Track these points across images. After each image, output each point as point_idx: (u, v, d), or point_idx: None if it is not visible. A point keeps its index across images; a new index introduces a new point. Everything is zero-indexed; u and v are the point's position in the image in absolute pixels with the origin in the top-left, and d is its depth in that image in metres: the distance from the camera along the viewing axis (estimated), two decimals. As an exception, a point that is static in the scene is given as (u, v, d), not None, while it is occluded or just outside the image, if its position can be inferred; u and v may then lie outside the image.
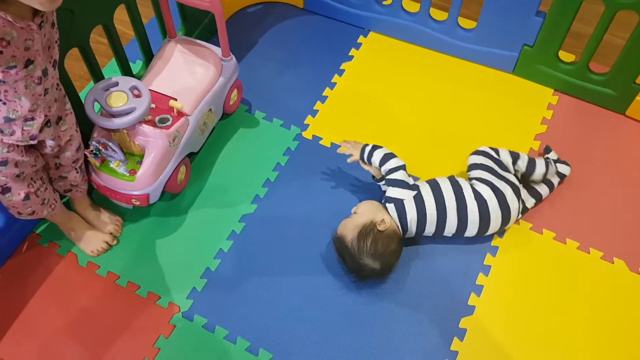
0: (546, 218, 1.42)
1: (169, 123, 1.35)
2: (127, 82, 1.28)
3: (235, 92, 1.59)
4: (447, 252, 1.37)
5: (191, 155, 1.50)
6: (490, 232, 1.34)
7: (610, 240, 1.39)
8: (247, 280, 1.32)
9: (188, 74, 1.46)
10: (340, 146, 1.45)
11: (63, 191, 1.30)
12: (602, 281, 1.33)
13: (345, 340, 1.25)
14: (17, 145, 1.07)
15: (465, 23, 1.68)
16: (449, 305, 1.29)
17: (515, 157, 1.39)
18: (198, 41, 1.53)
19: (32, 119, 1.04)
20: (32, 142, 1.08)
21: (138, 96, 1.27)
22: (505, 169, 1.36)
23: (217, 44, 1.49)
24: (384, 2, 1.75)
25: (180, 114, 1.38)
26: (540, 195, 1.41)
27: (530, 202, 1.40)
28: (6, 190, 1.13)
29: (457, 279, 1.33)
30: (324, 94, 1.67)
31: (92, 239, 1.34)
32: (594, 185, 1.48)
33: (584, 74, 1.59)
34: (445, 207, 1.30)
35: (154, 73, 1.45)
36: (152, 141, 1.31)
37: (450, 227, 1.32)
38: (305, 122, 1.61)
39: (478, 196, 1.30)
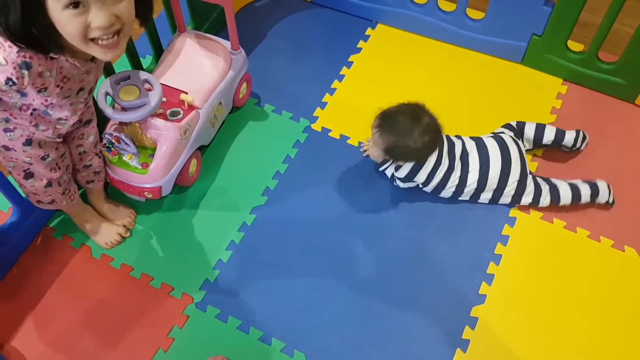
0: (556, 207, 1.41)
1: (180, 116, 1.36)
2: (139, 75, 1.29)
3: (244, 85, 1.60)
4: (458, 242, 1.38)
5: (202, 148, 1.51)
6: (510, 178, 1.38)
7: (620, 229, 1.39)
8: (258, 271, 1.34)
9: (198, 68, 1.47)
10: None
11: (86, 182, 1.32)
12: (613, 269, 1.33)
13: (356, 328, 1.26)
14: None
15: (474, 13, 1.68)
16: (460, 294, 1.30)
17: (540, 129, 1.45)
18: (207, 35, 1.54)
19: (66, 119, 1.09)
20: (59, 140, 1.13)
21: (149, 90, 1.29)
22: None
23: (227, 38, 1.50)
24: (392, -6, 1.75)
25: (191, 107, 1.39)
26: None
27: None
28: (29, 175, 1.15)
29: (468, 268, 1.34)
30: (332, 86, 1.68)
31: (106, 231, 1.36)
32: (605, 173, 1.47)
33: (593, 63, 1.59)
34: (467, 149, 1.39)
35: (164, 67, 1.46)
36: (164, 134, 1.33)
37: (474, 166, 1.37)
38: (314, 114, 1.62)
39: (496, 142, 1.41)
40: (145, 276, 1.33)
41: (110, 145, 1.32)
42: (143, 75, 1.30)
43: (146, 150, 1.36)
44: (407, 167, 1.36)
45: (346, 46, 1.77)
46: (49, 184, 1.18)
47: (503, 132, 1.45)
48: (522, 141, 1.45)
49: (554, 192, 1.38)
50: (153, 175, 1.33)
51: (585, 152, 1.51)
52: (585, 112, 1.60)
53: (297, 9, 1.87)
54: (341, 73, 1.71)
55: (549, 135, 1.45)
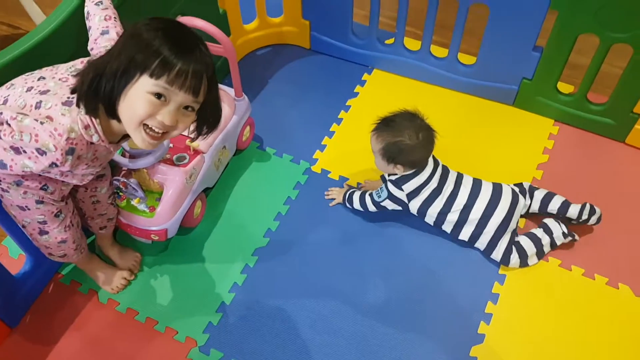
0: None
1: (186, 161, 1.42)
2: None
3: (248, 129, 1.66)
4: (455, 281, 1.40)
5: (207, 190, 1.56)
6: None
7: (614, 266, 1.41)
8: (261, 313, 1.36)
9: None
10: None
11: (99, 228, 1.37)
12: (608, 307, 1.35)
13: (358, 370, 1.28)
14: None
15: (465, 58, 1.75)
16: (458, 334, 1.32)
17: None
18: None
19: (69, 183, 1.16)
20: (61, 204, 1.18)
21: None
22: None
23: (230, 85, 1.57)
24: (386, 42, 1.83)
25: (197, 152, 1.45)
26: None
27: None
28: (44, 232, 1.19)
29: (466, 307, 1.36)
30: (331, 129, 1.74)
31: (112, 277, 1.39)
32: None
33: (582, 105, 1.64)
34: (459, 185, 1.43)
35: None
36: (170, 178, 1.38)
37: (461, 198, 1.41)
38: (314, 156, 1.67)
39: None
40: (150, 320, 1.35)
41: (119, 191, 1.37)
42: None
43: (153, 194, 1.41)
44: (399, 170, 1.40)
45: (344, 91, 1.84)
46: (63, 241, 1.23)
47: (507, 185, 1.46)
48: (529, 201, 1.46)
49: (520, 250, 1.39)
50: (160, 218, 1.38)
51: (578, 191, 1.55)
52: (576, 152, 1.65)
53: (296, 56, 1.94)
54: (339, 117, 1.77)
55: (555, 203, 1.44)
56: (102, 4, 1.21)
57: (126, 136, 1.08)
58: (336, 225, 1.52)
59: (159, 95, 0.94)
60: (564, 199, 1.45)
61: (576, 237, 1.43)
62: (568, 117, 1.69)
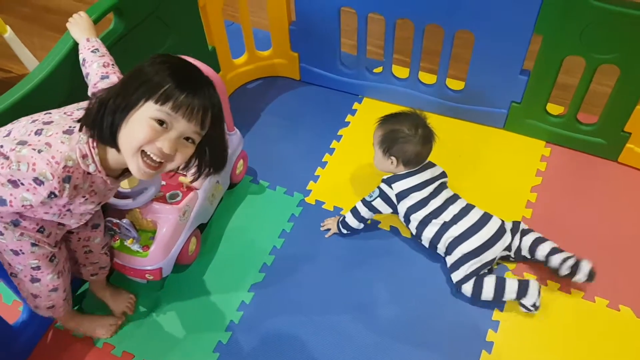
0: (549, 270, 1.43)
1: (179, 198, 1.42)
2: None
3: (241, 162, 1.66)
4: (454, 310, 1.38)
5: (201, 226, 1.55)
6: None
7: (614, 288, 1.40)
8: (260, 352, 1.34)
9: None
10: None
11: (90, 275, 1.35)
12: (609, 329, 1.34)
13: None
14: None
15: (454, 84, 1.76)
16: (460, 364, 1.30)
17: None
18: None
19: (63, 225, 1.15)
20: (54, 250, 1.17)
21: None
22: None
23: None
24: (375, 70, 1.84)
25: (189, 188, 1.45)
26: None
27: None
28: (35, 279, 1.17)
29: (467, 336, 1.34)
30: (323, 160, 1.74)
31: (100, 326, 1.37)
32: (593, 233, 1.51)
33: (573, 125, 1.65)
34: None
35: None
36: (164, 217, 1.37)
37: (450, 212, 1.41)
38: (308, 187, 1.67)
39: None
40: (146, 363, 1.34)
41: (112, 232, 1.36)
42: None
43: (146, 233, 1.40)
44: (391, 168, 1.45)
45: (335, 121, 1.84)
46: (54, 289, 1.20)
47: (501, 220, 1.43)
48: (518, 241, 1.42)
49: (478, 284, 1.35)
50: (154, 258, 1.36)
51: (572, 212, 1.54)
52: (569, 173, 1.65)
53: (287, 88, 1.96)
54: (331, 147, 1.77)
55: (543, 249, 1.39)
56: (98, 51, 1.22)
57: (125, 172, 1.07)
58: (333, 256, 1.51)
59: (161, 122, 0.94)
60: (553, 246, 1.39)
61: (536, 309, 1.35)
62: (559, 138, 1.69)
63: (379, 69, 1.84)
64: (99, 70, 1.18)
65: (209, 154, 1.05)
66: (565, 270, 1.35)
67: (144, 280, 1.44)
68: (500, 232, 1.39)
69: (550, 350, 1.31)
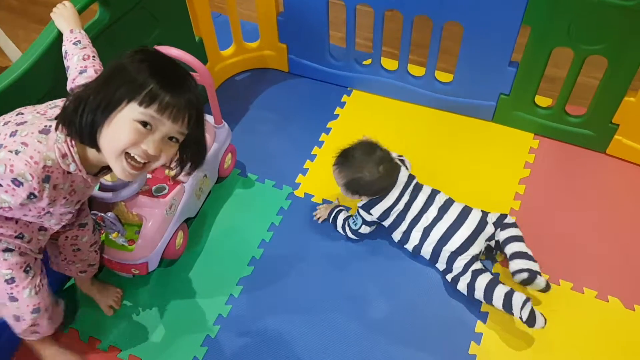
0: (538, 261, 1.43)
1: (165, 191, 1.40)
2: None
3: (229, 156, 1.65)
4: (443, 302, 1.38)
5: (188, 220, 1.53)
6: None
7: (602, 279, 1.41)
8: (247, 346, 1.33)
9: None
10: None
11: (78, 272, 1.33)
12: (598, 320, 1.34)
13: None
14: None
15: (443, 76, 1.76)
16: (449, 355, 1.30)
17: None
18: None
19: (45, 230, 1.13)
20: (39, 256, 1.14)
21: None
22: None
23: (209, 113, 1.55)
24: (364, 62, 1.84)
25: (176, 182, 1.43)
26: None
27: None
28: (14, 299, 1.10)
29: (456, 327, 1.34)
30: (312, 153, 1.73)
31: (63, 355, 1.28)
32: (582, 226, 1.51)
33: (561, 117, 1.65)
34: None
35: None
36: (150, 210, 1.36)
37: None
38: (297, 181, 1.66)
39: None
40: (133, 358, 1.32)
41: (97, 226, 1.34)
42: None
43: (132, 227, 1.38)
44: (363, 200, 1.43)
45: (324, 113, 1.83)
46: (36, 309, 1.13)
47: (483, 212, 1.44)
48: (496, 233, 1.42)
49: (471, 284, 1.34)
50: (139, 252, 1.35)
51: (560, 204, 1.55)
52: (558, 165, 1.65)
53: (275, 80, 1.94)
54: (320, 139, 1.76)
55: (510, 249, 1.37)
56: (80, 43, 1.20)
57: (105, 169, 1.05)
58: (321, 250, 1.50)
59: (145, 124, 0.92)
60: (521, 250, 1.35)
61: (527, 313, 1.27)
62: (548, 130, 1.69)
63: (368, 61, 1.83)
64: (78, 64, 1.16)
65: (190, 151, 1.04)
66: (517, 279, 1.32)
67: (130, 275, 1.43)
68: (481, 225, 1.39)
69: (539, 341, 1.31)
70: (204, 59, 1.77)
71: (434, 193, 1.45)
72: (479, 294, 1.33)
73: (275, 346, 1.32)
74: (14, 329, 1.18)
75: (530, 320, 1.24)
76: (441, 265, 1.41)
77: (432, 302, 1.39)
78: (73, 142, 0.96)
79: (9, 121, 0.99)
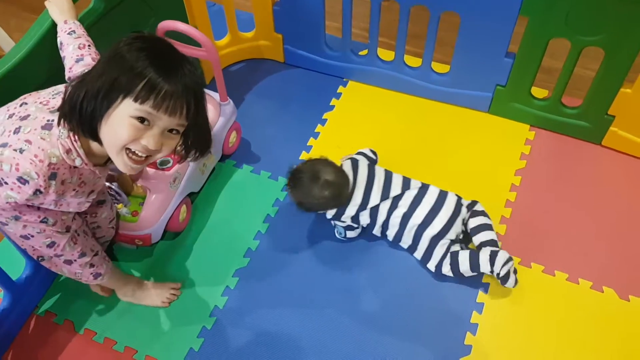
0: (533, 252, 1.44)
1: (169, 165, 1.42)
2: None
3: (234, 134, 1.66)
4: (439, 293, 1.39)
5: (192, 195, 1.56)
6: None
7: (597, 270, 1.41)
8: (243, 337, 1.33)
9: None
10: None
11: None
12: (593, 311, 1.35)
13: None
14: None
15: (439, 67, 1.75)
16: (445, 346, 1.30)
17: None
18: None
19: (69, 212, 1.12)
20: (67, 234, 1.13)
21: None
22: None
23: (214, 89, 1.58)
24: (360, 53, 1.82)
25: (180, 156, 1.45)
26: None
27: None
28: (58, 255, 1.15)
29: (452, 318, 1.34)
30: (308, 144, 1.72)
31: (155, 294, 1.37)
32: (577, 216, 1.52)
33: (557, 109, 1.65)
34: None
35: None
36: (154, 183, 1.38)
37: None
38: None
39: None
40: (128, 349, 1.31)
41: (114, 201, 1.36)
42: None
43: (137, 199, 1.40)
44: (330, 212, 1.43)
45: (320, 104, 1.82)
46: (82, 254, 1.17)
47: (458, 196, 1.44)
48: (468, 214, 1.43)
49: (454, 262, 1.36)
50: (143, 223, 1.38)
51: (556, 196, 1.55)
52: (553, 156, 1.65)
53: (271, 71, 1.93)
54: (316, 130, 1.75)
55: (478, 238, 1.39)
56: (74, 32, 1.19)
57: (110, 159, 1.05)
58: (318, 242, 1.50)
59: (142, 120, 0.91)
60: (489, 238, 1.37)
61: (511, 279, 1.35)
62: (544, 121, 1.69)
63: (364, 52, 1.82)
64: (74, 53, 1.15)
65: (194, 138, 1.03)
66: (496, 268, 1.33)
67: (133, 246, 1.44)
68: (458, 208, 1.41)
69: (535, 331, 1.32)
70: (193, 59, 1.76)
71: (406, 180, 1.45)
72: (464, 267, 1.35)
73: (271, 337, 1.32)
74: (84, 282, 1.24)
75: (504, 278, 1.33)
76: (420, 252, 1.41)
77: (427, 294, 1.39)
78: (76, 137, 0.96)
79: (13, 114, 0.98)
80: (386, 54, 1.81)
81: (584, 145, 1.67)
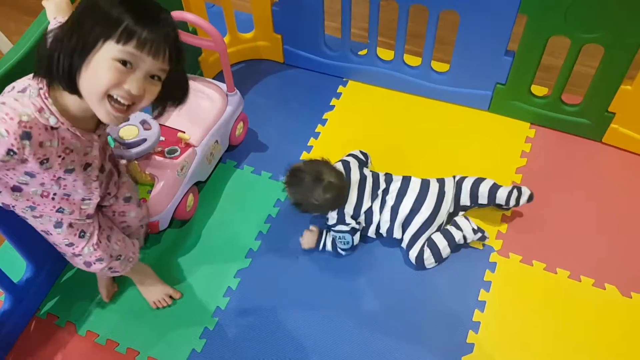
0: (535, 250, 1.44)
1: (177, 154, 1.45)
2: (137, 116, 1.40)
3: (241, 124, 1.68)
4: (441, 292, 1.38)
5: (199, 185, 1.58)
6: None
7: (599, 267, 1.41)
8: (246, 336, 1.33)
9: (195, 108, 1.56)
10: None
11: None
12: (595, 308, 1.35)
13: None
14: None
15: (439, 66, 1.75)
16: (447, 345, 1.30)
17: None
18: (203, 78, 1.66)
19: (89, 199, 1.12)
20: (88, 221, 1.14)
21: (148, 129, 1.38)
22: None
23: (222, 80, 1.61)
24: (360, 53, 1.82)
25: (188, 145, 1.48)
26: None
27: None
28: (77, 255, 1.18)
29: (454, 317, 1.34)
30: (309, 144, 1.72)
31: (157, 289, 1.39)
32: (579, 214, 1.52)
33: (557, 106, 1.65)
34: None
35: None
36: (162, 171, 1.41)
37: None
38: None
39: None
40: (131, 351, 1.31)
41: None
42: (141, 116, 1.39)
43: (145, 187, 1.42)
44: (332, 217, 1.42)
45: (320, 104, 1.82)
46: (99, 259, 1.20)
47: (439, 180, 1.47)
48: (460, 196, 1.46)
49: (433, 247, 1.40)
50: (151, 210, 1.39)
51: (557, 194, 1.55)
52: (554, 154, 1.65)
53: (271, 71, 1.93)
54: (317, 130, 1.75)
55: (484, 188, 1.44)
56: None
57: (99, 124, 1.02)
58: (318, 241, 1.50)
59: (125, 63, 0.88)
60: (492, 182, 1.45)
61: (486, 234, 1.44)
62: (544, 119, 1.69)
63: (363, 52, 1.82)
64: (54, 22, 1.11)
65: (172, 88, 1.00)
66: (513, 201, 1.43)
67: None
68: (441, 194, 1.43)
69: (537, 329, 1.32)
70: (198, 50, 1.76)
71: (389, 175, 1.47)
72: (444, 247, 1.40)
73: (273, 338, 1.32)
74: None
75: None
76: (406, 240, 1.42)
77: (427, 294, 1.39)
78: (47, 94, 0.93)
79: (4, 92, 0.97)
80: (386, 54, 1.81)
81: (584, 143, 1.67)
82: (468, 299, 1.37)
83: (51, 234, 1.14)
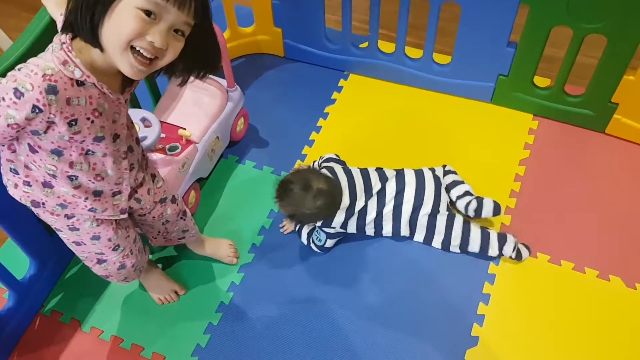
0: (539, 242, 1.44)
1: (178, 150, 1.45)
2: (138, 113, 1.39)
3: (241, 120, 1.68)
4: (445, 284, 1.38)
5: (200, 181, 1.58)
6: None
7: (603, 259, 1.41)
8: (249, 332, 1.33)
9: (195, 105, 1.56)
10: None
11: (177, 239, 1.37)
12: (600, 299, 1.34)
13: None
14: (110, 221, 1.13)
15: (440, 58, 1.74)
16: (452, 338, 1.30)
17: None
18: None
19: (119, 192, 1.09)
20: (122, 216, 1.13)
21: (148, 126, 1.38)
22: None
23: (222, 76, 1.59)
24: (361, 45, 1.81)
25: (189, 141, 1.48)
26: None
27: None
28: (102, 261, 1.19)
29: (458, 310, 1.34)
30: (311, 138, 1.71)
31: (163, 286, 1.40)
32: (583, 206, 1.51)
33: (560, 97, 1.64)
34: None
35: (163, 105, 1.57)
36: (163, 168, 1.40)
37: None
38: (296, 166, 1.64)
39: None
40: (135, 347, 1.31)
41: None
42: (142, 113, 1.39)
43: None
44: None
45: (321, 98, 1.82)
46: (122, 266, 1.22)
47: (430, 168, 1.48)
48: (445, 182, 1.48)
49: (465, 234, 1.40)
50: None
51: (560, 185, 1.54)
52: (557, 145, 1.64)
53: (271, 65, 1.92)
54: (318, 124, 1.75)
55: (455, 192, 1.45)
56: None
57: (125, 84, 1.00)
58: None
59: (148, 13, 0.86)
60: (465, 189, 1.45)
61: (524, 253, 1.42)
62: (547, 110, 1.68)
63: (364, 44, 1.81)
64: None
65: (201, 51, 0.97)
66: (471, 213, 1.43)
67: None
68: (437, 179, 1.44)
69: (541, 321, 1.32)
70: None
71: (381, 171, 1.47)
72: (474, 246, 1.40)
73: (277, 332, 1.32)
74: (101, 275, 1.25)
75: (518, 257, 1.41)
76: (420, 234, 1.43)
77: (431, 287, 1.38)
78: (70, 47, 0.91)
79: None
80: (387, 46, 1.80)
81: (587, 134, 1.66)
82: (472, 292, 1.37)
83: (85, 244, 1.12)
